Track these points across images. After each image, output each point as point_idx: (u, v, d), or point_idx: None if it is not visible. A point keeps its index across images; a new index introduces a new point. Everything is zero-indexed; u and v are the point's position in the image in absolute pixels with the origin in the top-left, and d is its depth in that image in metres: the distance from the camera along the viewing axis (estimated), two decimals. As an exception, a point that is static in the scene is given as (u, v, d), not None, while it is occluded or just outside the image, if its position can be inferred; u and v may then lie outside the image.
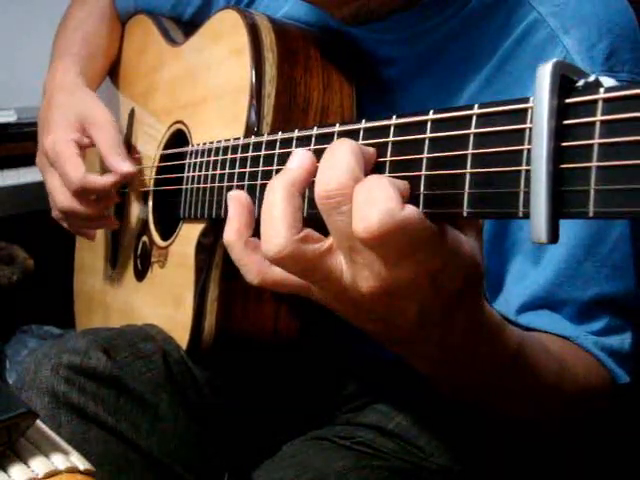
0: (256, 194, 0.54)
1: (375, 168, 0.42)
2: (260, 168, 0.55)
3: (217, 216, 0.65)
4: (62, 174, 0.81)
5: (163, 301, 0.78)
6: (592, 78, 0.33)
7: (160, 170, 0.84)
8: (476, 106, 0.37)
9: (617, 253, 0.62)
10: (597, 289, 0.62)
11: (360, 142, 0.43)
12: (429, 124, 0.39)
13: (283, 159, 0.51)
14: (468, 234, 0.41)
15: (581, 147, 0.32)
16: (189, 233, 0.73)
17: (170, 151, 0.81)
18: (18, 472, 0.43)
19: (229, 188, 0.60)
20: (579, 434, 0.67)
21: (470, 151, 0.37)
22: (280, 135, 0.52)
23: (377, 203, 0.37)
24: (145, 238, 0.86)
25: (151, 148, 0.86)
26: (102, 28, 0.98)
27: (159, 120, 0.86)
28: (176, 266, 0.77)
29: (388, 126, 0.42)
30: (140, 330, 0.76)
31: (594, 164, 0.31)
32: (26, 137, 1.32)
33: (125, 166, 0.79)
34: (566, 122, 0.32)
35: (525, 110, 0.34)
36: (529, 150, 0.34)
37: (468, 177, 0.37)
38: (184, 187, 0.73)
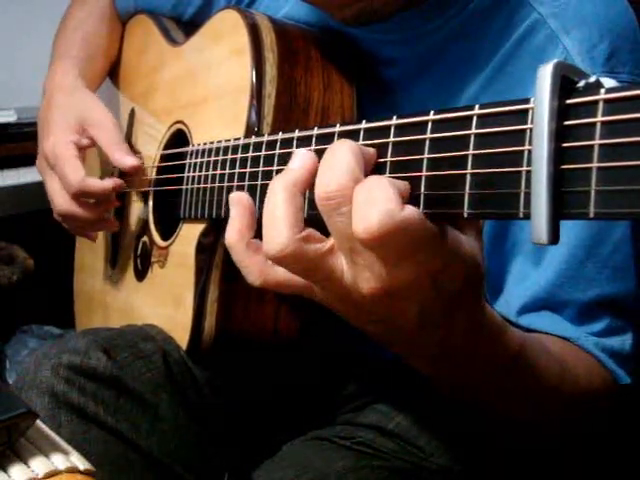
0: (256, 194, 0.54)
1: (375, 169, 0.42)
2: (260, 168, 0.55)
3: (217, 216, 0.65)
4: (61, 177, 0.80)
5: (163, 301, 0.78)
6: (593, 79, 0.33)
7: (160, 170, 0.84)
8: (477, 107, 0.37)
9: (618, 254, 0.61)
10: (598, 290, 0.62)
11: (360, 142, 0.43)
12: (430, 125, 0.39)
13: (283, 159, 0.51)
14: (468, 234, 0.41)
15: (582, 148, 0.31)
16: (189, 233, 0.73)
17: (170, 151, 0.81)
18: (18, 472, 0.43)
19: (229, 188, 0.60)
20: (579, 434, 0.67)
21: (471, 152, 0.37)
22: (280, 135, 0.52)
23: (377, 204, 0.36)
24: (145, 238, 0.86)
25: (151, 148, 0.86)
26: (102, 28, 0.98)
27: (159, 120, 0.86)
28: (176, 266, 0.77)
29: (388, 126, 0.42)
30: (140, 330, 0.76)
31: (595, 165, 0.31)
32: (26, 137, 1.32)
33: (130, 160, 0.80)
34: (567, 123, 0.32)
35: (526, 111, 0.34)
36: (530, 151, 0.34)
37: (469, 178, 0.37)
38: (184, 187, 0.73)
